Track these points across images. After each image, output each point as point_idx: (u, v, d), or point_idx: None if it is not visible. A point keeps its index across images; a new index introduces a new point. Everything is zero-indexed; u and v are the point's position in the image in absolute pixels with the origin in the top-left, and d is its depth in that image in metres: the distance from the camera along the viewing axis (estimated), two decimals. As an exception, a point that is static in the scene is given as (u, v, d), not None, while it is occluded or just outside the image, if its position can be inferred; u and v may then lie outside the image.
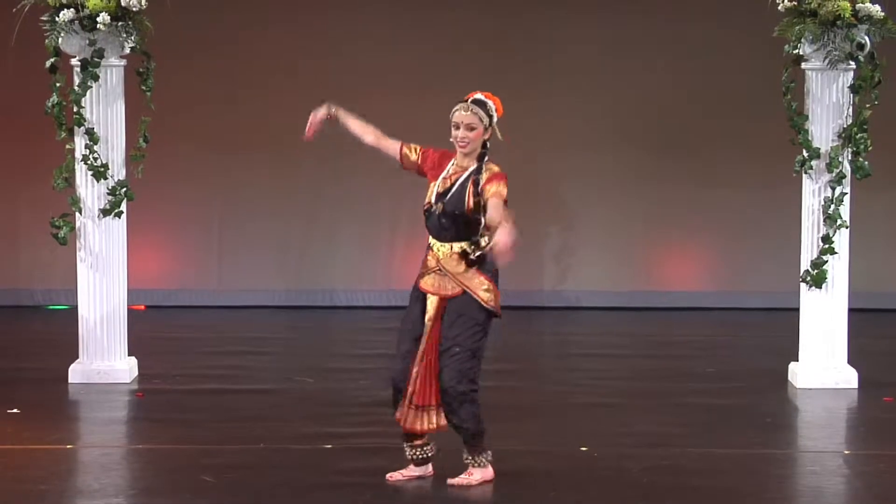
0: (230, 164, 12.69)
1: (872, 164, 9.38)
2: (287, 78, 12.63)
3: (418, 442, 7.11)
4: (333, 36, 12.64)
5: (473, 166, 6.96)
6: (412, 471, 7.15)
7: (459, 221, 6.93)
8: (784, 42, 9.36)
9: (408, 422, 7.01)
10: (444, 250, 6.97)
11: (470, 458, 7.05)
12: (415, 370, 6.95)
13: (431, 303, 6.98)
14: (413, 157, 7.12)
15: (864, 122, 9.28)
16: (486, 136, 6.98)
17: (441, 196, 6.96)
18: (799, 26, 9.19)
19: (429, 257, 7.04)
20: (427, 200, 7.00)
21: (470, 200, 6.90)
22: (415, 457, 7.13)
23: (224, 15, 12.55)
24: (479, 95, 7.01)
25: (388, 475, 7.14)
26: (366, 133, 7.30)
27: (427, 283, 7.01)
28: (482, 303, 6.93)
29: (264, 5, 12.63)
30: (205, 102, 12.55)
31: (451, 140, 7.03)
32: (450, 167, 7.01)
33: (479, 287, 6.93)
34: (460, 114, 6.96)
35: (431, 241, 7.03)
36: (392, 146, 7.21)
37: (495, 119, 6.99)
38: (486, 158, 6.98)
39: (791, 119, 9.41)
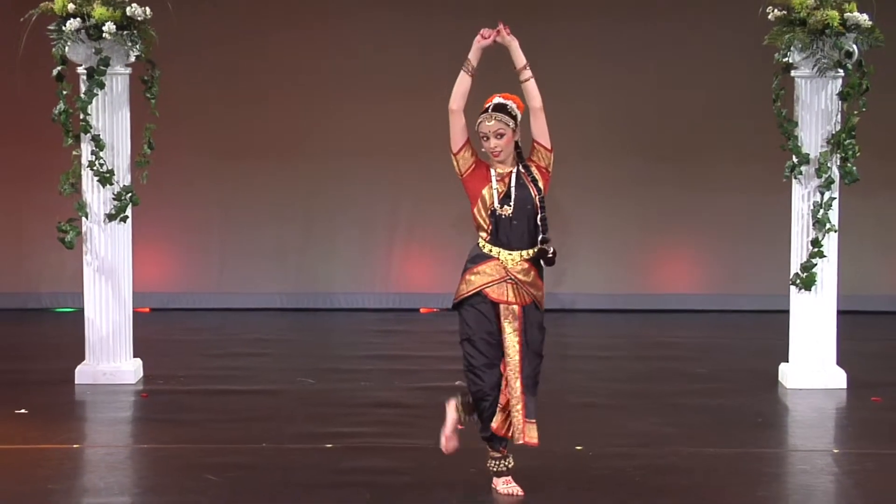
0: (232, 170, 12.72)
1: (860, 170, 9.40)
2: (286, 87, 12.67)
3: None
4: (331, 46, 12.66)
5: (515, 167, 6.87)
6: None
7: (531, 220, 6.81)
8: (774, 50, 9.38)
9: (516, 432, 6.84)
10: (515, 258, 6.84)
11: (496, 463, 6.98)
12: (517, 384, 6.83)
13: (513, 312, 6.83)
14: (469, 160, 6.87)
15: (853, 128, 9.30)
16: (516, 138, 6.87)
17: (504, 200, 6.83)
18: (789, 35, 9.22)
19: (490, 267, 6.84)
20: (490, 205, 6.81)
21: (535, 195, 6.81)
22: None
23: (226, 26, 12.57)
24: (498, 99, 6.89)
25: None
26: (461, 97, 6.85)
27: (496, 292, 6.82)
28: (539, 307, 6.92)
29: (264, 17, 12.65)
30: (208, 110, 12.58)
31: (483, 151, 6.88)
32: (494, 174, 6.86)
33: (539, 293, 6.89)
34: (486, 124, 6.82)
35: (496, 250, 6.84)
36: (460, 132, 6.86)
37: (519, 117, 6.88)
38: (524, 155, 6.91)
39: (781, 125, 9.43)
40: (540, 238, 6.84)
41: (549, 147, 6.92)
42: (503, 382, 6.85)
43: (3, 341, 11.47)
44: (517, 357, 6.83)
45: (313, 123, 12.71)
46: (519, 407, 6.83)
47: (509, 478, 6.97)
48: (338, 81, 12.66)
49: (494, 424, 6.85)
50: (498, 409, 6.86)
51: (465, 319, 6.90)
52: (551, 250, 6.84)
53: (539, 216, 6.82)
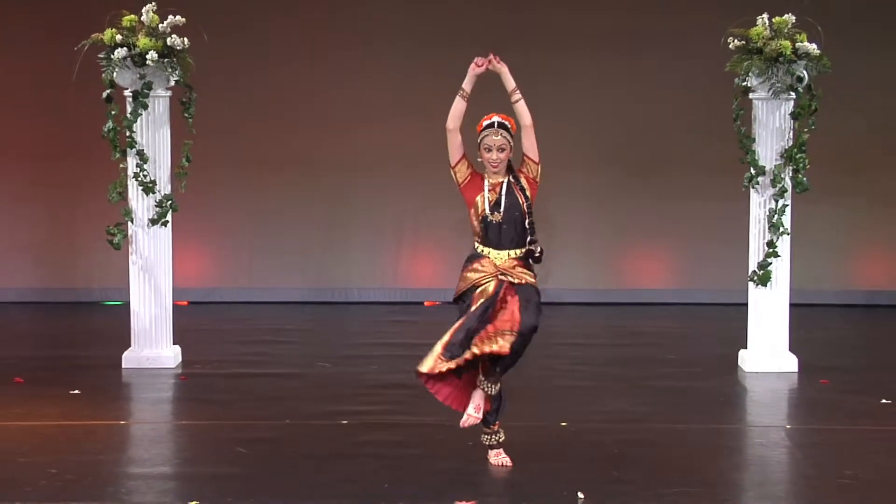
0: (259, 180, 12.74)
1: (810, 180, 9.42)
2: (308, 108, 12.69)
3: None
4: (346, 73, 12.68)
5: (506, 178, 6.83)
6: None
7: (518, 222, 6.78)
8: (734, 76, 9.39)
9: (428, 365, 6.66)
10: (503, 257, 6.79)
11: (489, 437, 6.90)
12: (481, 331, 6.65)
13: (494, 287, 6.71)
14: (465, 172, 6.85)
15: (803, 144, 9.31)
16: (511, 154, 6.85)
17: (494, 207, 6.81)
18: (747, 62, 9.23)
19: (483, 264, 6.79)
20: (481, 211, 6.78)
21: (523, 202, 6.79)
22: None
23: (255, 55, 12.60)
24: (498, 118, 6.84)
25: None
26: (457, 118, 6.82)
27: (490, 286, 6.76)
28: (537, 290, 6.87)
29: (289, 47, 12.68)
30: (239, 129, 12.61)
31: (479, 160, 6.85)
32: (486, 183, 6.83)
33: (532, 278, 6.85)
34: (492, 138, 6.79)
35: (486, 250, 6.81)
36: (457, 148, 6.85)
37: (514, 137, 6.85)
38: (514, 168, 6.87)
39: (741, 141, 9.44)
40: (528, 240, 6.83)
41: (536, 160, 6.89)
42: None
43: (59, 331, 11.50)
44: (493, 310, 6.71)
45: (331, 140, 12.73)
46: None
47: (500, 450, 6.98)
48: (353, 104, 12.68)
49: (442, 397, 6.77)
50: (446, 382, 6.76)
51: (461, 312, 6.89)
52: (538, 249, 6.83)
53: (527, 220, 6.80)
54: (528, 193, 6.84)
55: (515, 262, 6.83)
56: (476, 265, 6.86)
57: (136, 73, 9.30)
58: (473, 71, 6.88)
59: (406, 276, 12.97)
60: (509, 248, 6.82)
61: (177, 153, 9.63)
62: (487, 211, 6.80)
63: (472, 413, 6.81)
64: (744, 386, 9.19)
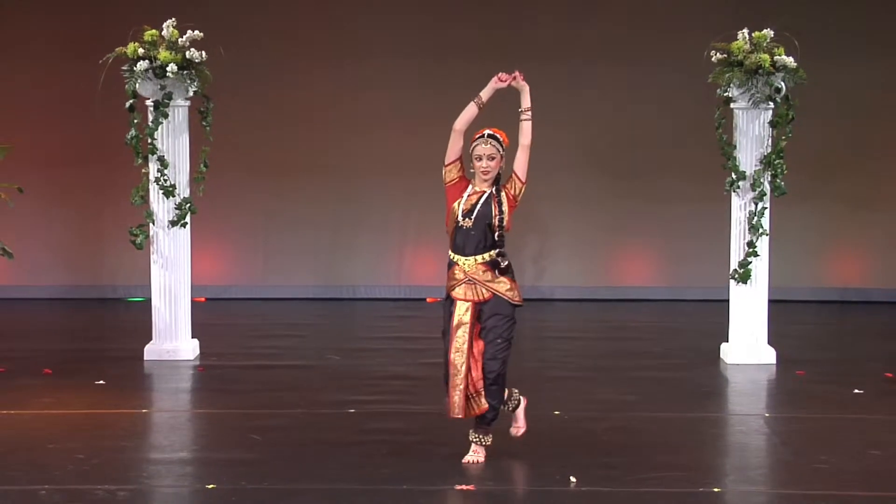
0: (273, 185, 12.72)
1: (787, 185, 9.41)
2: (318, 116, 12.67)
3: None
4: (355, 83, 12.66)
5: (490, 189, 6.72)
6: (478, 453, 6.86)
7: (487, 232, 6.65)
8: (716, 87, 9.39)
9: (458, 410, 6.66)
10: (470, 263, 6.67)
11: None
12: (463, 365, 6.64)
13: (466, 309, 6.66)
14: (455, 173, 6.73)
15: (781, 150, 9.31)
16: (502, 164, 6.72)
17: (467, 213, 6.67)
18: (728, 74, 9.22)
19: (455, 271, 6.70)
20: (455, 216, 6.67)
21: (496, 214, 6.65)
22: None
23: (268, 66, 12.57)
24: (489, 131, 6.71)
25: (463, 461, 6.77)
26: (466, 122, 6.70)
27: (459, 293, 6.68)
28: (509, 300, 6.69)
29: (300, 59, 12.64)
30: (253, 136, 12.58)
31: (471, 170, 6.74)
32: (468, 190, 6.72)
33: (503, 288, 6.68)
34: (482, 147, 6.66)
35: (455, 257, 6.71)
36: (456, 149, 6.73)
37: (504, 149, 6.74)
38: (500, 182, 6.76)
39: (722, 148, 9.43)
40: (496, 252, 6.68)
41: (523, 180, 6.76)
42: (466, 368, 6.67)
43: (86, 325, 11.49)
44: (469, 343, 6.67)
45: (340, 147, 12.71)
46: (480, 387, 6.68)
47: (521, 410, 6.95)
48: (359, 112, 12.66)
49: (457, 410, 6.67)
50: (459, 393, 6.67)
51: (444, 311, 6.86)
52: (504, 263, 6.69)
53: (496, 233, 6.65)
54: (504, 208, 6.68)
55: (485, 268, 6.69)
56: (450, 273, 6.77)
57: (157, 84, 9.29)
58: (495, 84, 6.72)
59: (410, 274, 12.95)
60: (474, 255, 6.69)
61: (195, 159, 9.62)
62: (460, 216, 6.68)
63: (474, 457, 6.80)
64: (725, 377, 9.18)
